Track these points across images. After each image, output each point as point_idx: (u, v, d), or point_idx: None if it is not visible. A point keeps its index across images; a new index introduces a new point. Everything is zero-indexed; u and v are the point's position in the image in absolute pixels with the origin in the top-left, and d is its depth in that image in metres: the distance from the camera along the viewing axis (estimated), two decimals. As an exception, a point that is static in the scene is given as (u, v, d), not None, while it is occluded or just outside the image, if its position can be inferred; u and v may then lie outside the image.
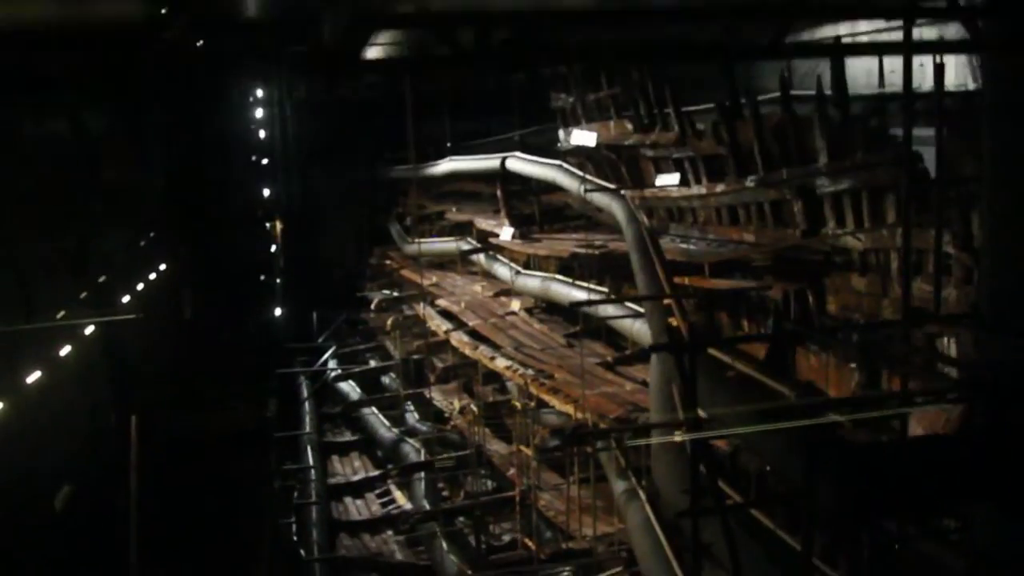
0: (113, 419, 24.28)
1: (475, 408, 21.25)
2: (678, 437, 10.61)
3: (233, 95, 40.02)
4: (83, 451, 22.88)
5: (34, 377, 19.27)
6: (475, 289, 28.78)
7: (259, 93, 39.86)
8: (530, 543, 18.18)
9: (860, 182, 14.69)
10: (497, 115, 33.37)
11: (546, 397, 19.00)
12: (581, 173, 21.17)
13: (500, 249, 27.15)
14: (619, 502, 16.47)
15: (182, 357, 34.15)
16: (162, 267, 31.78)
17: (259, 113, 40.59)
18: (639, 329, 17.85)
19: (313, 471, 26.96)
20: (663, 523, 14.00)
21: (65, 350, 21.37)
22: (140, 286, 28.84)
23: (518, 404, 20.11)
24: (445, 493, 24.14)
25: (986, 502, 6.49)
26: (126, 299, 26.93)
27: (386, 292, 34.90)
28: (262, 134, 41.27)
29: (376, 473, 28.19)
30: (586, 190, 19.67)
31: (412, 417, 28.32)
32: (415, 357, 29.95)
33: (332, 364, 34.51)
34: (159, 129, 34.13)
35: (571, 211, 27.04)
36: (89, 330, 23.23)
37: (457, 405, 25.39)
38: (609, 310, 19.45)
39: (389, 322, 29.61)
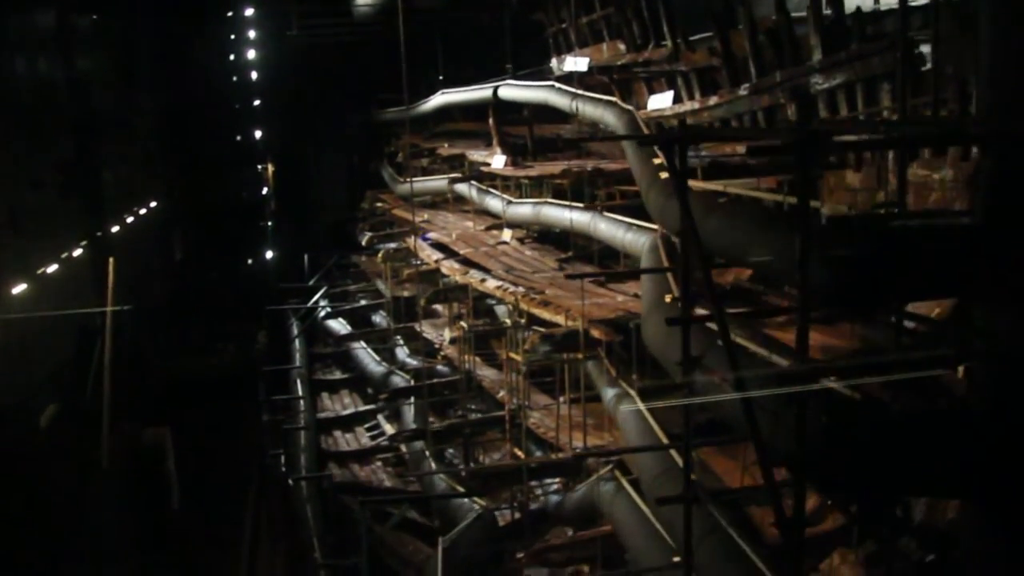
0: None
1: (464, 325, 21.08)
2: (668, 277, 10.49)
3: (226, 33, 39.65)
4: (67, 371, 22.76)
5: (19, 288, 19.12)
6: (466, 224, 28.64)
7: (252, 34, 39.40)
8: (519, 452, 18.07)
9: (854, 74, 14.50)
10: (488, 64, 33.07)
11: (537, 311, 18.88)
12: (572, 89, 20.95)
13: (491, 180, 26.97)
14: (609, 406, 16.42)
15: (173, 298, 34.04)
16: (153, 204, 31.57)
17: (251, 55, 40.13)
18: (631, 240, 17.71)
19: (302, 402, 26.89)
20: (655, 416, 13.97)
21: (52, 267, 21.25)
22: (130, 219, 28.70)
23: (508, 322, 19.98)
24: (435, 425, 24.03)
25: (991, 294, 6.34)
26: (115, 229, 26.83)
27: (371, 233, 34.75)
28: (254, 76, 40.85)
29: (365, 408, 28.18)
30: (577, 103, 19.48)
31: (402, 352, 28.20)
32: (406, 295, 29.84)
33: (323, 303, 34.39)
34: (152, 64, 33.80)
35: (563, 143, 26.83)
36: (77, 253, 23.09)
37: (448, 335, 25.26)
38: (601, 226, 19.34)
39: (380, 255, 29.43)
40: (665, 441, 11.98)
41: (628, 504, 13.09)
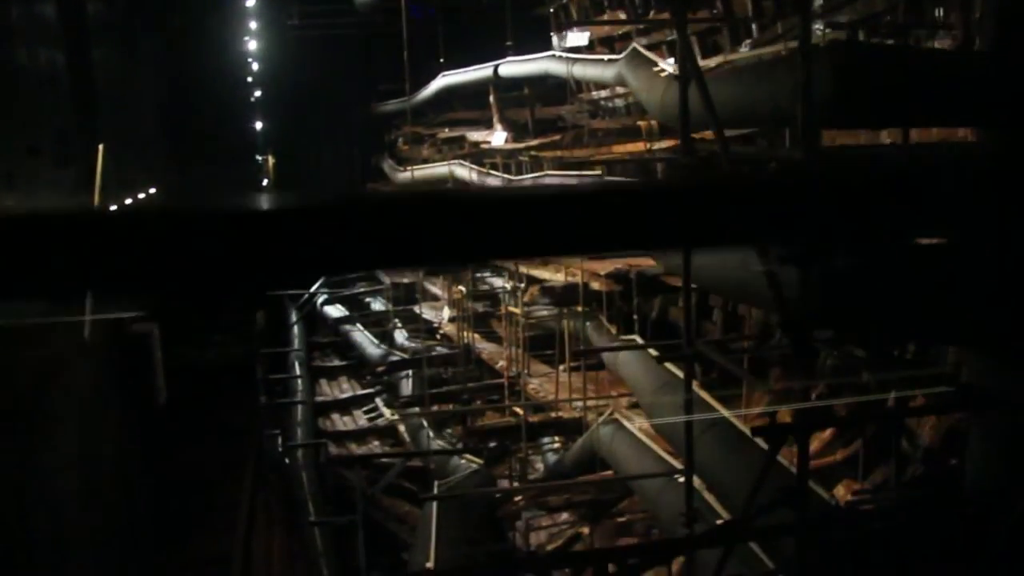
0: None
1: (463, 289, 20.92)
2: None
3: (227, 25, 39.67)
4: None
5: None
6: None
7: (252, 25, 39.43)
8: (518, 410, 17.84)
9: (855, 14, 14.46)
10: (489, 53, 33.08)
11: (536, 272, 18.78)
12: (573, 56, 20.87)
13: (492, 158, 26.93)
14: (611, 361, 16.22)
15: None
16: (152, 191, 31.38)
17: (252, 46, 40.16)
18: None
19: (300, 381, 26.66)
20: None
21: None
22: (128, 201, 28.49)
23: (508, 286, 19.84)
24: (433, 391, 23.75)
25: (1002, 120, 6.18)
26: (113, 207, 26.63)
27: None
28: (255, 66, 40.89)
29: (363, 392, 27.93)
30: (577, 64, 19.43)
31: (401, 335, 27.99)
32: (405, 281, 29.76)
33: (322, 291, 34.25)
34: (153, 51, 33.77)
35: (564, 123, 26.78)
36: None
37: (447, 314, 25.12)
38: (601, 190, 19.21)
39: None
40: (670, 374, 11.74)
41: (627, 439, 12.87)
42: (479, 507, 15.41)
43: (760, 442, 8.60)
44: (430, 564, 12.41)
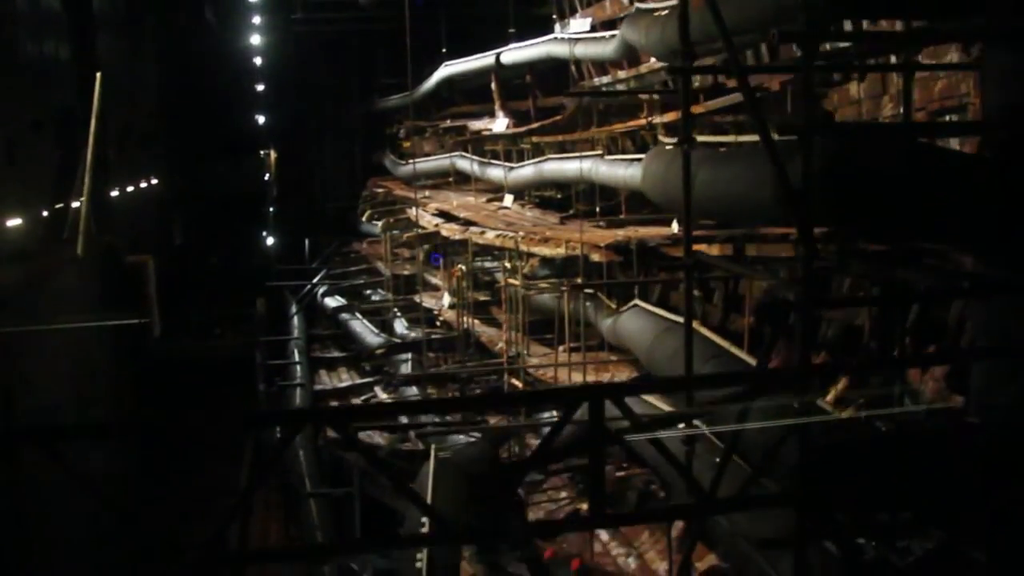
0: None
1: (463, 268, 20.86)
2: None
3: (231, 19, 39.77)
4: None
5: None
6: (467, 199, 28.55)
7: (256, 20, 39.52)
8: (517, 383, 17.78)
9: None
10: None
11: (537, 249, 18.72)
12: (574, 36, 20.89)
13: (493, 144, 26.94)
14: (611, 331, 16.16)
15: (172, 281, 33.82)
16: (154, 181, 31.45)
17: (255, 40, 40.21)
18: (631, 175, 17.54)
19: (299, 367, 26.59)
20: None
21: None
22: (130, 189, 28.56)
23: (508, 265, 19.79)
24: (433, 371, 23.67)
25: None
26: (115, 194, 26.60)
27: (371, 210, 34.74)
28: (258, 62, 40.96)
29: (363, 381, 27.85)
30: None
31: (400, 324, 27.91)
32: (406, 273, 29.70)
33: (323, 284, 34.26)
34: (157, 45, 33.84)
35: (565, 111, 26.78)
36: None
37: (447, 300, 25.06)
38: (603, 169, 19.21)
39: (380, 225, 29.30)
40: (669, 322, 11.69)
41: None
42: (478, 466, 15.26)
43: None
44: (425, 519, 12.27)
